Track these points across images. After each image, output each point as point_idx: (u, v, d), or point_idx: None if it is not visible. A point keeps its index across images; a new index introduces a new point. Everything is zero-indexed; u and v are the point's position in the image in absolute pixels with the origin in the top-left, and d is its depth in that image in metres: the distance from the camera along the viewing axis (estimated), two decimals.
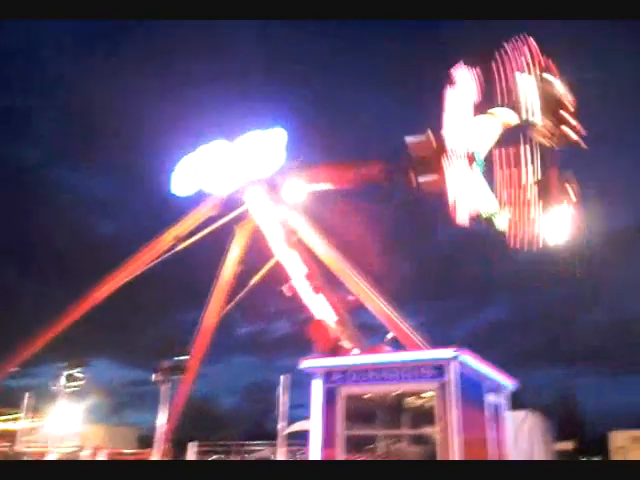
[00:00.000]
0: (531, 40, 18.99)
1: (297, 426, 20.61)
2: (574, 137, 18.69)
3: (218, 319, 28.26)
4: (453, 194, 18.49)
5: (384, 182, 21.91)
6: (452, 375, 9.26)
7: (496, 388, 11.47)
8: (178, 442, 27.01)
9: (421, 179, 19.78)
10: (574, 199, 18.84)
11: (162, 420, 17.47)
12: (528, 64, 18.68)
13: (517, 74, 18.61)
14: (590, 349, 59.90)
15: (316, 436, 9.82)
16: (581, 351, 58.78)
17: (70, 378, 19.57)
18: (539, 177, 18.41)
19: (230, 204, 26.56)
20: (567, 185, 18.85)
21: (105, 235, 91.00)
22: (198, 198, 26.59)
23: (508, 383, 12.80)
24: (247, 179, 25.45)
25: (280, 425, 14.61)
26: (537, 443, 23.38)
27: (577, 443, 34.14)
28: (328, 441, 9.72)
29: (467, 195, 18.55)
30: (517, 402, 15.65)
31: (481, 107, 19.59)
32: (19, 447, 20.20)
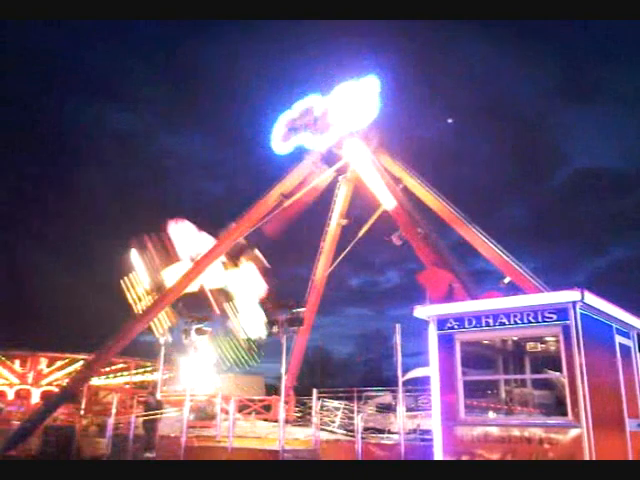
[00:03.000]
0: None
1: (415, 372, 20.86)
2: None
3: (328, 272, 28.97)
4: None
5: None
6: (576, 317, 8.85)
7: (626, 329, 10.84)
8: (300, 389, 28.53)
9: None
10: None
11: (284, 369, 18.47)
12: None
13: None
14: None
15: (435, 382, 9.89)
16: None
17: (198, 331, 21.15)
18: None
19: (331, 157, 26.72)
20: None
21: (218, 195, 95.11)
22: (298, 154, 27.01)
23: (639, 324, 12.05)
24: (345, 131, 25.34)
25: (398, 371, 14.86)
26: None
27: None
28: (447, 387, 9.74)
29: None
30: None
31: None
32: (159, 396, 22.27)
